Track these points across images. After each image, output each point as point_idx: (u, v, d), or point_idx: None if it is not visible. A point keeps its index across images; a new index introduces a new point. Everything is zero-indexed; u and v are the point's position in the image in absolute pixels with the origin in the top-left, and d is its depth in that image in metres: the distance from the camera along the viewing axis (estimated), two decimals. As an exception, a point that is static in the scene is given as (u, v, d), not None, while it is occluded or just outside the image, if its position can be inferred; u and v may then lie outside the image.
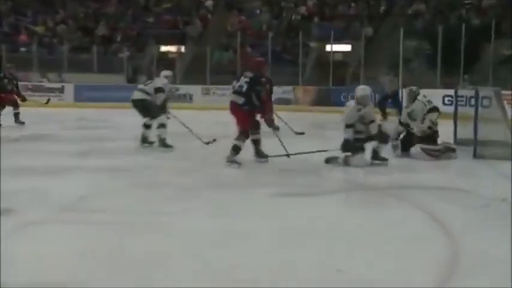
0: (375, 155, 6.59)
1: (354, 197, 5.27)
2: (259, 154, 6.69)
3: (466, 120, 8.08)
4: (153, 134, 7.88)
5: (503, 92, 8.74)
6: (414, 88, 7.72)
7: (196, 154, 7.48)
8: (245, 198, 4.97)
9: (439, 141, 7.37)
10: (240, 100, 6.48)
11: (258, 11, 21.24)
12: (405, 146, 7.31)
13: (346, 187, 5.66)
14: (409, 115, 7.44)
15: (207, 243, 3.57)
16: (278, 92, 16.17)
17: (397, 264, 3.23)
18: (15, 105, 10.91)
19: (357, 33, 17.78)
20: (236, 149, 6.43)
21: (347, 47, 17.77)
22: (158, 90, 7.84)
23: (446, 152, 7.21)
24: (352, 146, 6.47)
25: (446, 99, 12.96)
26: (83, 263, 3.19)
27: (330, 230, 3.92)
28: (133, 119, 8.19)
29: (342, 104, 13.95)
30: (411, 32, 17.22)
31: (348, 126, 6.53)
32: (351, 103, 6.73)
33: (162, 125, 7.75)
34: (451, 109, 9.33)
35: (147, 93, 7.84)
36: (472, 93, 7.96)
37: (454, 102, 8.80)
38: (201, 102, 16.46)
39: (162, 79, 8.09)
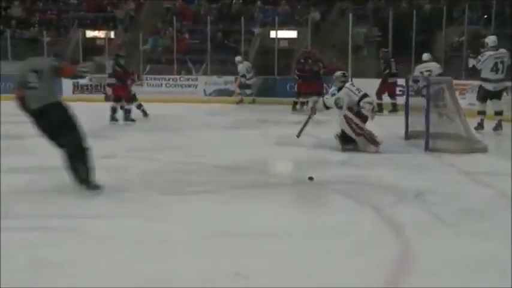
0: None
1: (298, 193, 5.33)
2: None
3: (418, 112, 8.33)
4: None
5: (455, 81, 9.08)
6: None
7: (125, 151, 7.41)
8: (177, 200, 4.94)
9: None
10: None
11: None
12: (345, 140, 7.43)
13: (290, 184, 5.72)
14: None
15: (133, 250, 3.53)
16: (219, 82, 16.25)
17: (344, 265, 3.30)
18: None
19: (303, 18, 18.00)
20: None
21: (293, 33, 17.92)
22: None
23: (367, 140, 7.28)
24: None
25: (397, 89, 13.33)
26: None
27: (273, 229, 3.95)
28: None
29: (288, 95, 14.30)
30: (360, 17, 17.62)
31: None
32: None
33: None
34: (402, 100, 9.59)
35: None
36: (424, 82, 8.23)
37: (406, 92, 9.05)
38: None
39: None
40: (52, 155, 6.84)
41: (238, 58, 15.60)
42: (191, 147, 7.80)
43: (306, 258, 3.41)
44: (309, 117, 7.85)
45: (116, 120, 10.53)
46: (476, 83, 11.77)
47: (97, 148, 7.64)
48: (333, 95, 7.63)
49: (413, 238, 3.79)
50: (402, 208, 4.59)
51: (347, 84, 7.63)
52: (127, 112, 10.62)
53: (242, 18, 16.99)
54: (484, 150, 7.23)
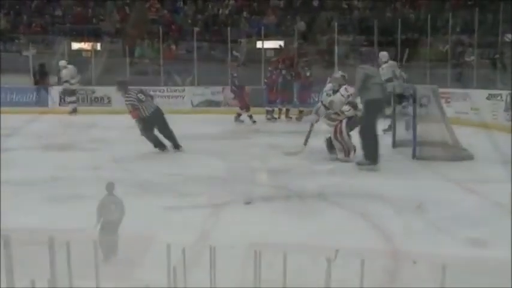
0: None
1: (289, 204, 5.34)
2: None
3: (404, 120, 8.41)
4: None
5: (440, 90, 9.16)
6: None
7: (111, 162, 7.43)
8: (175, 210, 4.93)
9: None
10: None
11: (181, 4, 21.17)
12: (332, 146, 7.46)
13: (280, 194, 5.72)
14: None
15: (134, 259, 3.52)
16: (206, 93, 16.25)
17: (337, 272, 3.30)
18: None
19: (289, 28, 18.10)
20: None
21: (279, 44, 18.02)
22: None
23: (342, 147, 7.32)
24: None
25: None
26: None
27: (262, 240, 3.95)
28: (42, 126, 7.92)
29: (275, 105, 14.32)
30: (346, 27, 17.76)
31: None
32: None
33: None
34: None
35: None
36: (409, 91, 8.31)
37: (392, 101, 9.11)
38: (121, 106, 16.11)
39: None
40: (37, 168, 6.86)
41: (62, 63, 15.28)
42: (181, 158, 7.78)
43: (300, 267, 3.42)
44: (312, 126, 7.79)
45: (242, 121, 12.62)
46: (461, 91, 11.90)
47: (80, 160, 7.70)
48: (328, 95, 7.59)
49: (407, 244, 3.82)
50: (393, 215, 4.61)
51: (342, 91, 7.50)
52: (238, 117, 12.74)
53: (229, 28, 17.05)
54: (470, 157, 7.31)
